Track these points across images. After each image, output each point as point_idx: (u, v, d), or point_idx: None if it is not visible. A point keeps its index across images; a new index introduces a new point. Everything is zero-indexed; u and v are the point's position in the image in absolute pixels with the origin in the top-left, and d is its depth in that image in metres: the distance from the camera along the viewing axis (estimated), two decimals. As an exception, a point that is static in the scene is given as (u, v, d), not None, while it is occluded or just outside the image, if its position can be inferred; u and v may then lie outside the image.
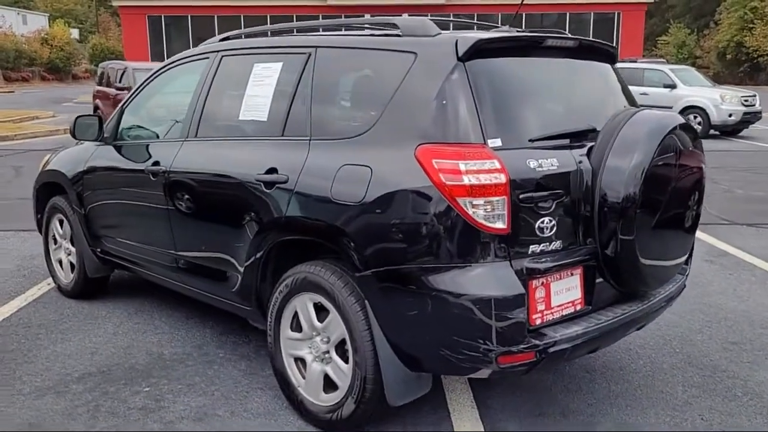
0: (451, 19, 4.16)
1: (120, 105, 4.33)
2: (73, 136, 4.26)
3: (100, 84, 16.06)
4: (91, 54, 53.94)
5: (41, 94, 33.43)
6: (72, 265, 4.80)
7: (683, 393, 3.46)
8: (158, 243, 3.90)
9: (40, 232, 5.17)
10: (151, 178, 3.78)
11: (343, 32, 3.16)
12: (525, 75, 2.86)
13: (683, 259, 3.19)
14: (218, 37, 3.85)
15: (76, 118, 4.25)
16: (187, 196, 3.56)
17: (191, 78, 3.83)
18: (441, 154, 2.50)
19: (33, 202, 5.11)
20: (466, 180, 2.44)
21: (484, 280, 2.46)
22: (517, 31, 3.09)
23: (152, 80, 4.16)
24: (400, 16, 3.47)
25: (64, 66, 47.42)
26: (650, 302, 2.98)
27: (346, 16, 36.03)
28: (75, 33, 52.76)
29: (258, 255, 3.16)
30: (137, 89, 4.24)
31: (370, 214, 2.63)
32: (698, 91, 16.25)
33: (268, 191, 3.06)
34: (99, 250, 4.51)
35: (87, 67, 52.43)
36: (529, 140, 2.67)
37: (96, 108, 15.71)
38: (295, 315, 3.07)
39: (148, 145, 4.10)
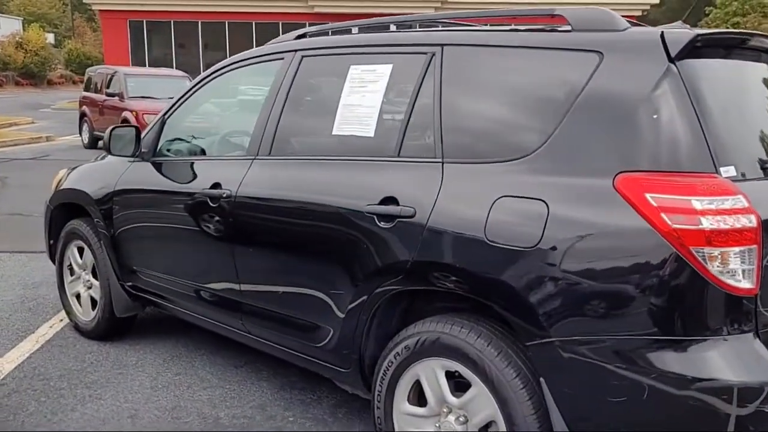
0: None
1: (160, 115, 3.64)
2: (108, 150, 3.56)
3: (87, 90, 15.22)
4: (67, 59, 52.68)
5: (17, 100, 32.20)
6: (93, 301, 4.08)
7: None
8: (214, 282, 3.22)
9: (52, 260, 4.44)
10: (209, 203, 3.10)
11: (482, 27, 2.53)
12: (746, 82, 2.25)
13: None
14: (292, 33, 3.19)
15: (112, 129, 3.55)
16: (261, 228, 2.89)
17: (260, 83, 3.18)
18: (661, 187, 1.87)
19: (45, 226, 4.38)
20: (705, 223, 1.81)
21: (725, 359, 1.83)
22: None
23: (202, 85, 3.48)
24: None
25: (39, 71, 46.10)
26: None
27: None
28: (50, 38, 51.45)
29: (365, 306, 2.50)
30: (183, 96, 3.56)
31: (552, 264, 1.99)
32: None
33: (385, 227, 2.41)
34: (130, 284, 3.80)
35: (62, 73, 51.18)
36: (764, 167, 2.06)
37: (83, 115, 14.89)
38: (417, 385, 2.42)
39: (199, 164, 3.42)
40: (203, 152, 3.62)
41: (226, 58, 3.33)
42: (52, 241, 4.35)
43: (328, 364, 2.77)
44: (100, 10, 35.27)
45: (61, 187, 4.18)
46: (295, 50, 3.02)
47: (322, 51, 2.93)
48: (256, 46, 2.95)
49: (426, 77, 2.48)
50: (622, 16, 2.20)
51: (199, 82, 3.49)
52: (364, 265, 2.48)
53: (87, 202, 3.90)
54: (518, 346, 2.14)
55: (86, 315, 4.13)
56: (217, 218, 3.09)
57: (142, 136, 3.63)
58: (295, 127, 2.98)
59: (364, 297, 2.49)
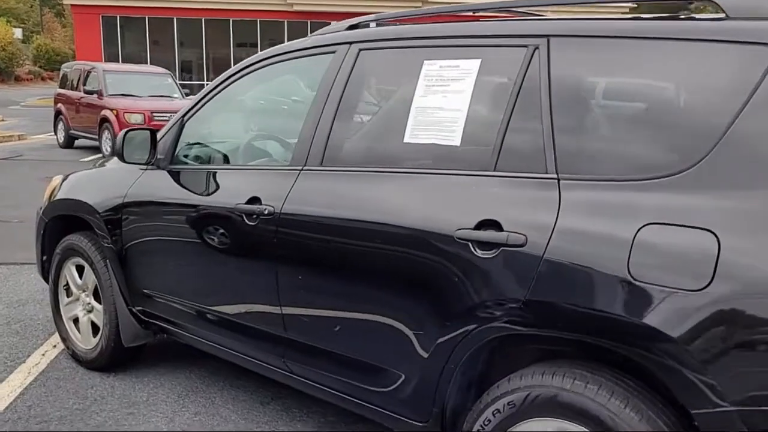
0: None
1: (178, 117, 3.16)
2: (121, 157, 3.06)
3: (62, 87, 14.51)
4: (35, 55, 51.34)
5: (-17, 96, 31.15)
6: (94, 327, 3.59)
7: None
8: (248, 312, 2.76)
9: (45, 278, 3.93)
10: (245, 221, 2.64)
11: (601, 16, 2.10)
12: None
13: None
14: (344, 23, 2.73)
15: (125, 133, 3.06)
16: (313, 252, 2.44)
17: (305, 80, 2.73)
18: None
19: (37, 240, 3.86)
20: None
21: None
22: None
23: (230, 83, 3.00)
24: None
25: (6, 67, 44.72)
26: None
27: (312, 23, 34.88)
28: (18, 33, 49.98)
29: (456, 349, 2.07)
30: (205, 95, 3.08)
31: (731, 309, 1.58)
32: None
33: (485, 256, 1.98)
34: (140, 309, 3.32)
35: (31, 69, 49.84)
36: None
37: (58, 113, 14.20)
38: (522, 448, 1.99)
39: (227, 174, 2.96)
40: (229, 160, 3.15)
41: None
42: (45, 258, 3.84)
43: (396, 414, 2.33)
44: (71, 5, 34.21)
45: (57, 197, 3.67)
46: (350, 42, 2.57)
47: (385, 43, 2.48)
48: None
49: (528, 74, 2.06)
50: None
51: (226, 80, 3.01)
52: (456, 300, 2.04)
53: (89, 216, 3.40)
54: (666, 407, 1.73)
55: (86, 342, 3.63)
56: (255, 239, 2.63)
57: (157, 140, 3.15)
58: (353, 133, 2.53)
59: (456, 339, 2.06)
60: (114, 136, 12.00)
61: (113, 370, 3.57)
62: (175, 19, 34.91)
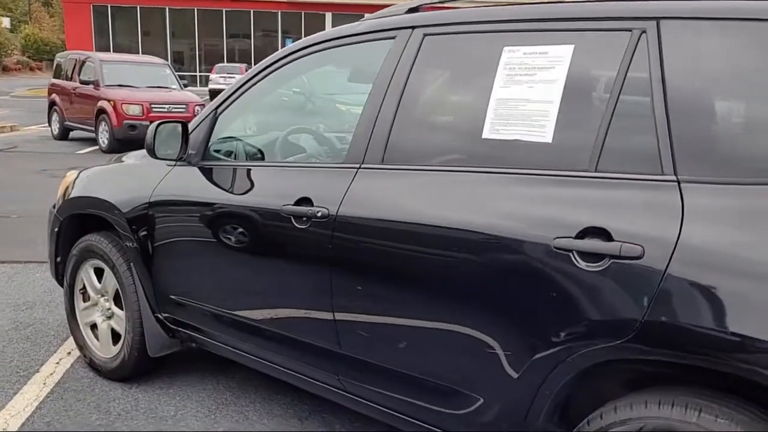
0: None
1: (210, 109, 2.90)
2: (152, 153, 2.80)
3: (57, 77, 14.14)
4: (24, 45, 50.65)
5: (-28, 86, 30.61)
6: (114, 334, 3.34)
7: None
8: (297, 325, 2.51)
9: (59, 281, 3.67)
10: (294, 224, 2.39)
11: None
12: None
13: None
14: (401, 6, 2.47)
15: (157, 125, 2.79)
16: (377, 260, 2.20)
17: (358, 69, 2.48)
18: None
19: (50, 240, 3.60)
20: None
21: None
22: None
23: (270, 72, 2.75)
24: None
25: (-6, 57, 44.10)
26: None
27: (306, 14, 34.48)
28: (6, 22, 49.25)
29: (554, 374, 1.84)
30: (242, 86, 2.82)
31: None
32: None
33: (589, 269, 1.74)
34: (167, 316, 3.07)
35: (19, 59, 49.16)
36: None
37: (52, 104, 13.84)
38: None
39: (269, 171, 2.71)
40: (269, 156, 2.90)
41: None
42: (59, 259, 3.57)
43: (472, 440, 2.09)
44: (62, -6, 33.68)
45: (73, 194, 3.40)
46: (413, 27, 2.32)
47: (455, 28, 2.24)
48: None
49: (634, 62, 1.82)
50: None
51: (264, 69, 2.76)
52: (555, 317, 1.81)
53: (111, 215, 3.14)
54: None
55: (105, 351, 3.38)
56: (305, 244, 2.38)
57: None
58: (418, 127, 2.28)
59: (554, 361, 1.82)
60: (111, 128, 11.70)
61: (135, 380, 3.32)
62: (167, 9, 34.46)
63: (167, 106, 12.06)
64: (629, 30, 1.85)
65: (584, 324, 1.75)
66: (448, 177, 2.11)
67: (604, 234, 1.74)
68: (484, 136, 2.05)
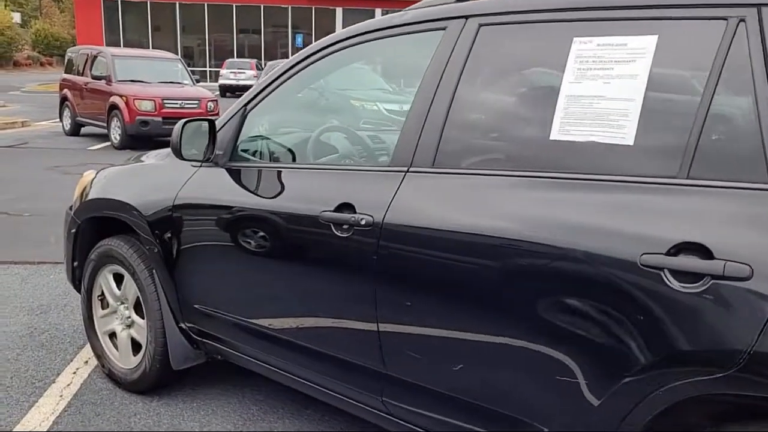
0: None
1: (239, 107, 2.70)
2: (179, 153, 2.61)
3: (68, 72, 13.99)
4: (34, 40, 50.67)
5: (-17, 82, 30.57)
6: (135, 344, 3.15)
7: None
8: (335, 340, 2.32)
9: (76, 286, 3.49)
10: (335, 232, 2.19)
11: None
12: None
13: None
14: (450, -5, 2.26)
15: (183, 124, 2.60)
16: (431, 273, 2.00)
17: (402, 63, 2.27)
18: None
19: (67, 243, 3.42)
20: None
21: None
22: None
23: (305, 66, 2.54)
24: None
25: (4, 52, 44.12)
26: None
27: (316, 8, 34.25)
28: (17, 17, 49.28)
29: (635, 409, 1.63)
30: (273, 81, 2.62)
31: None
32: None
33: (683, 290, 1.54)
34: (191, 326, 2.88)
35: (29, 54, 49.19)
36: None
37: (64, 100, 13.69)
38: None
39: (305, 174, 2.51)
40: (303, 157, 2.70)
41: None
42: (76, 263, 3.39)
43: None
44: (72, -11, 33.58)
45: (91, 196, 3.21)
46: (467, 16, 2.12)
47: (515, 17, 2.02)
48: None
49: (731, 55, 1.61)
50: None
51: (299, 62, 2.56)
52: (641, 343, 1.60)
53: (131, 218, 2.95)
54: None
55: (125, 361, 3.19)
56: (346, 254, 2.19)
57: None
58: (474, 127, 2.08)
59: (640, 391, 1.62)
60: (124, 124, 11.54)
61: (156, 393, 3.14)
62: (177, 4, 34.34)
63: (180, 101, 11.89)
64: (724, 18, 1.64)
65: (679, 352, 1.54)
66: (509, 182, 1.90)
67: (702, 251, 1.53)
68: (552, 137, 1.84)
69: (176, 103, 11.78)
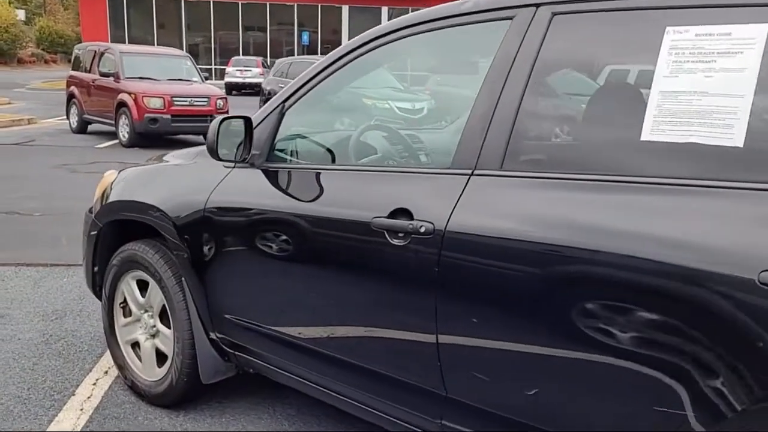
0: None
1: (276, 104, 2.51)
2: (215, 155, 2.42)
3: (75, 69, 13.81)
4: (38, 37, 50.51)
5: (-13, 78, 30.39)
6: (159, 354, 2.97)
7: None
8: (386, 358, 2.14)
9: (96, 293, 3.31)
10: (389, 239, 2.01)
11: None
12: None
13: None
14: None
15: (220, 122, 2.41)
16: (502, 288, 1.81)
17: (463, 57, 2.08)
18: None
19: (87, 247, 3.24)
20: None
21: None
22: None
23: (350, 60, 2.36)
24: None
25: (9, 49, 43.91)
26: None
27: (323, 6, 34.06)
28: (21, 14, 49.15)
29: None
30: (314, 76, 2.43)
31: None
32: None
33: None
34: (222, 337, 2.70)
35: (34, 51, 49.03)
36: None
37: (71, 97, 13.51)
38: None
39: (352, 177, 2.33)
40: (349, 158, 2.51)
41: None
42: (96, 269, 3.21)
43: None
44: (77, -14, 33.44)
45: (114, 198, 3.03)
46: (537, 4, 1.93)
47: (596, 4, 1.83)
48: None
49: None
50: None
51: (344, 56, 2.37)
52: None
53: (157, 221, 2.77)
54: None
55: (149, 373, 3.01)
56: (402, 264, 2.00)
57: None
58: (549, 126, 1.89)
59: (757, 422, 1.43)
60: (132, 121, 11.36)
61: (182, 407, 2.96)
62: (182, 1, 34.20)
63: (189, 99, 11.70)
64: None
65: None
66: (592, 187, 1.71)
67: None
68: (643, 137, 1.65)
69: (185, 101, 11.59)
